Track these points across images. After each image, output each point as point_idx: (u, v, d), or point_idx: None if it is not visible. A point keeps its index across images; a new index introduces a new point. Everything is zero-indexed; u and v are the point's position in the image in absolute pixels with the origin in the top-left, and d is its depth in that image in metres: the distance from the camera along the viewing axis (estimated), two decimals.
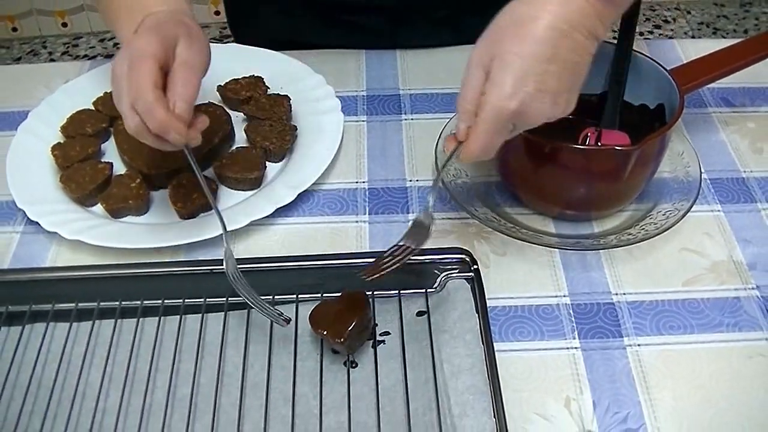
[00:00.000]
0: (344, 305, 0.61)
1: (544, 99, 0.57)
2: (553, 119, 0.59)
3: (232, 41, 0.97)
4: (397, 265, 0.62)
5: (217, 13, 2.53)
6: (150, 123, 0.61)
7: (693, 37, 2.48)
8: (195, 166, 0.66)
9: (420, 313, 0.64)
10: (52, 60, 2.45)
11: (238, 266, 0.67)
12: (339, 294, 0.63)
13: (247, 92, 0.85)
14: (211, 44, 0.68)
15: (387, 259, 0.62)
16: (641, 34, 2.48)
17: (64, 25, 2.57)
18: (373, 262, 0.62)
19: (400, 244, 0.62)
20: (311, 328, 0.61)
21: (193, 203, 0.74)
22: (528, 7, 0.57)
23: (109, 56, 2.46)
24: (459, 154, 0.60)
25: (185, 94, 0.62)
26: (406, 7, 0.92)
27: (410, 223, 0.64)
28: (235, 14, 1.04)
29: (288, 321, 0.60)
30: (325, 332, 0.60)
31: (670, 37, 2.46)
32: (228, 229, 0.71)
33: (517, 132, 0.60)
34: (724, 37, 2.48)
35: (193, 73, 0.63)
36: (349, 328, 0.60)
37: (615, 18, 0.59)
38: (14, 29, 2.57)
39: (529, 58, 0.56)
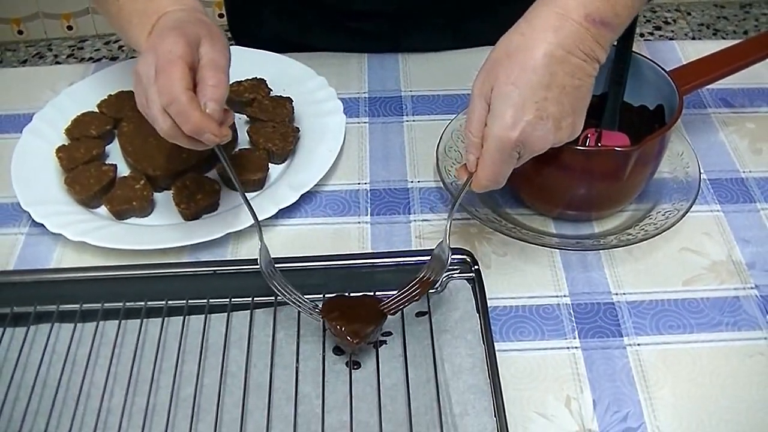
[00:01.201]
0: (358, 306, 0.62)
1: (546, 126, 0.57)
2: (559, 144, 0.60)
3: (233, 44, 0.97)
4: (417, 298, 0.62)
5: (221, 15, 2.53)
6: (185, 126, 0.61)
7: (693, 38, 2.48)
8: (226, 163, 0.66)
9: (421, 314, 0.65)
10: (58, 63, 2.46)
11: (241, 267, 0.68)
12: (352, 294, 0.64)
13: (249, 94, 0.86)
14: None
15: (407, 292, 0.62)
16: (642, 35, 2.49)
17: (70, 28, 2.58)
18: (395, 294, 0.63)
19: (421, 275, 0.63)
20: (322, 314, 0.61)
21: (197, 204, 0.74)
22: (522, 37, 0.58)
23: (114, 59, 2.48)
24: (471, 184, 0.61)
25: (216, 95, 0.62)
26: (407, 13, 0.93)
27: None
28: (237, 17, 1.04)
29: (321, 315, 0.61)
30: (342, 328, 0.60)
31: (671, 39, 2.46)
32: (231, 230, 0.71)
33: (524, 160, 0.60)
34: (724, 38, 2.48)
35: (222, 72, 0.63)
36: (367, 332, 0.60)
37: (613, 38, 0.60)
38: (20, 32, 2.58)
39: (526, 87, 0.56)
